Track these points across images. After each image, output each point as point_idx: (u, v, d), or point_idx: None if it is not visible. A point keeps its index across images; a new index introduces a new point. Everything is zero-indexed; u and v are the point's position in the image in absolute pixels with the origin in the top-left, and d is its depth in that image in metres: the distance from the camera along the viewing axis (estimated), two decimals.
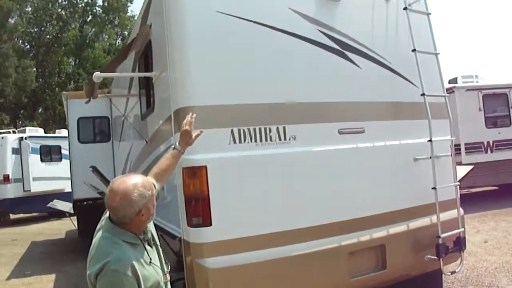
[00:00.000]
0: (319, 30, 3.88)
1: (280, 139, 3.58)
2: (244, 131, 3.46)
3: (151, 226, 2.41)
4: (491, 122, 11.57)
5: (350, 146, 3.88)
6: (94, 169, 7.05)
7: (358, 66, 4.02)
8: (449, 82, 12.14)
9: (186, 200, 3.33)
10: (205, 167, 3.29)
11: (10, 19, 32.00)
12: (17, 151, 14.89)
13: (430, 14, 4.45)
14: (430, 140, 4.09)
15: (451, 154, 4.41)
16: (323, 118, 3.79)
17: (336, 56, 3.93)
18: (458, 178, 4.74)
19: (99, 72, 4.31)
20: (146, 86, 4.80)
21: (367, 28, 4.17)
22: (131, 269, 2.06)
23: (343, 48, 3.97)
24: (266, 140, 3.53)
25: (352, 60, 4.00)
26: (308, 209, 3.66)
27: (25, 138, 15.02)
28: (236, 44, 3.54)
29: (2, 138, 14.88)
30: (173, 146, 2.81)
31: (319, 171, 3.73)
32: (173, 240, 3.65)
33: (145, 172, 3.02)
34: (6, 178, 14.62)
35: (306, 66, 3.80)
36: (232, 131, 3.43)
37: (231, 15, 3.53)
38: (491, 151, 11.44)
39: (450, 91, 11.24)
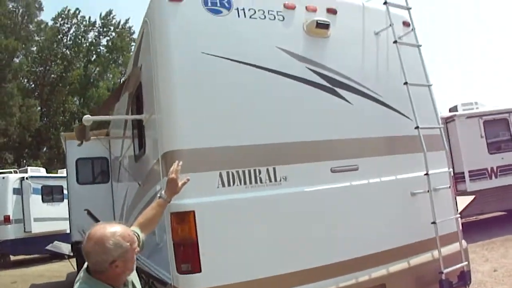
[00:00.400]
0: (308, 68, 3.86)
1: (270, 181, 3.51)
2: (233, 173, 3.39)
3: (133, 277, 2.32)
4: (494, 147, 11.45)
5: (344, 185, 3.79)
6: (88, 213, 6.96)
7: (349, 102, 3.98)
8: (450, 110, 12.14)
9: (175, 246, 3.24)
10: (193, 212, 3.21)
11: (15, 59, 32.64)
12: (18, 191, 14.79)
13: (420, 46, 4.44)
14: (427, 174, 4.01)
15: (450, 186, 4.30)
16: (314, 157, 3.72)
17: (327, 93, 3.90)
18: (460, 209, 4.64)
19: (89, 116, 4.29)
20: (139, 128, 4.78)
21: (358, 63, 4.16)
22: None
23: (333, 85, 3.94)
24: (256, 182, 3.46)
25: (343, 96, 3.97)
26: (302, 251, 3.54)
27: (27, 178, 14.96)
28: (223, 85, 3.52)
29: (3, 178, 14.83)
30: (158, 195, 2.75)
31: (312, 211, 3.63)
32: (164, 287, 3.54)
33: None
34: (7, 219, 14.47)
35: (296, 105, 3.76)
36: (220, 174, 3.36)
37: (218, 56, 3.52)
38: (496, 177, 11.27)
39: (450, 119, 11.22)
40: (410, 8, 4.49)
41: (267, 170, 3.51)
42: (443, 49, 50.30)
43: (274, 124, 3.62)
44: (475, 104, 12.09)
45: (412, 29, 4.47)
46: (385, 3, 4.32)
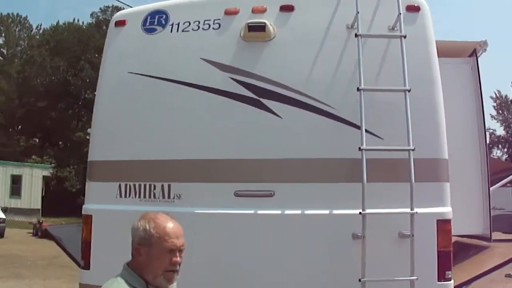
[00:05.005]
0: (232, 78, 3.46)
1: (164, 197, 3.46)
2: (130, 186, 3.55)
3: None
4: None
5: (248, 212, 3.28)
6: None
7: (277, 115, 3.35)
8: None
9: (81, 243, 3.70)
10: (91, 216, 3.59)
11: None
12: None
13: (404, 36, 3.18)
14: (361, 212, 2.97)
15: (412, 235, 2.95)
16: (215, 177, 3.38)
17: (247, 105, 3.40)
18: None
19: None
20: None
21: (307, 69, 3.39)
22: None
23: (259, 96, 3.39)
24: (150, 197, 3.50)
25: (270, 109, 3.36)
26: (193, 281, 3.32)
27: None
28: (137, 102, 3.64)
29: None
30: None
31: (205, 237, 3.30)
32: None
33: None
34: None
35: (205, 119, 3.47)
36: (119, 186, 3.57)
37: (140, 74, 3.64)
38: None
39: None
40: None
41: (162, 186, 3.46)
42: None
43: (175, 140, 3.49)
44: None
45: (399, 14, 3.22)
46: None
